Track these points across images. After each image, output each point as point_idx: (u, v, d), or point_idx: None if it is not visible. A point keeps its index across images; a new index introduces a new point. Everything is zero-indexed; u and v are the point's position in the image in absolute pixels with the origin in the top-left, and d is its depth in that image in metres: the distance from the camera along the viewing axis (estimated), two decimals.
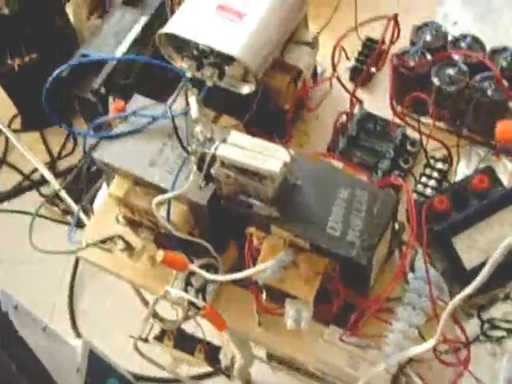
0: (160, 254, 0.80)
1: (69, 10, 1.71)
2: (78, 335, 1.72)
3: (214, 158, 0.80)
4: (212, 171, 0.80)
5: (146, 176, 0.87)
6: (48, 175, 1.04)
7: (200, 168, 0.82)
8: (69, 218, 1.72)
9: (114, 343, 1.49)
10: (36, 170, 1.83)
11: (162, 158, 0.88)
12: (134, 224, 0.93)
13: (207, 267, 0.90)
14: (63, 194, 0.97)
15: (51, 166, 1.78)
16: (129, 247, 0.92)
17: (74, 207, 0.98)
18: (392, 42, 0.99)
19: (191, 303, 0.89)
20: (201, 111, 0.84)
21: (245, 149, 0.78)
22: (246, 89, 0.91)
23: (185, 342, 0.98)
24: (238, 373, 1.42)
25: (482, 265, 0.87)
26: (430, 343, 0.78)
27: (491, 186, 0.87)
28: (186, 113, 0.86)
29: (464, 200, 0.88)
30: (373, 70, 1.03)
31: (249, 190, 0.80)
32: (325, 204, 0.81)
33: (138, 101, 0.92)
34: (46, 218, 1.72)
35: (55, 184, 1.00)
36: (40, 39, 1.65)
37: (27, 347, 1.16)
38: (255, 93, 0.91)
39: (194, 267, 0.83)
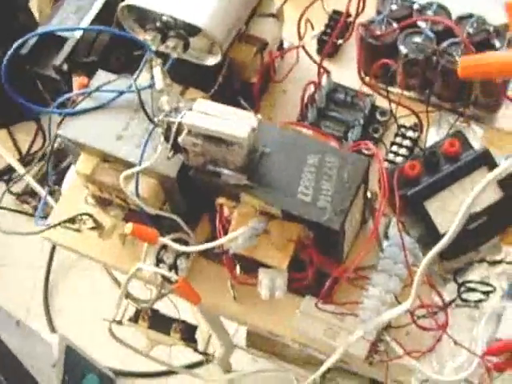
0: (129, 227, 0.79)
1: (32, 5, 1.69)
2: (54, 332, 1.69)
3: (180, 126, 0.78)
4: (179, 140, 0.78)
5: (113, 151, 0.85)
6: (14, 162, 1.02)
7: (167, 139, 0.80)
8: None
9: (92, 339, 1.46)
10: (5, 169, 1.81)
11: (128, 132, 0.86)
12: (103, 203, 0.92)
13: (179, 242, 0.88)
14: (29, 179, 0.95)
15: (21, 161, 1.74)
16: (98, 226, 0.90)
17: (42, 192, 0.96)
18: (358, 13, 0.99)
19: (164, 280, 0.87)
20: (166, 82, 0.82)
21: (211, 116, 0.77)
22: (211, 60, 0.90)
23: (160, 322, 0.97)
24: (219, 362, 1.41)
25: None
26: (406, 305, 0.77)
27: (462, 150, 0.87)
28: (151, 85, 0.85)
29: (435, 165, 0.87)
30: (339, 41, 1.02)
31: (217, 158, 0.79)
32: (295, 170, 0.80)
33: (102, 77, 0.90)
34: (17, 211, 1.69)
35: (21, 169, 0.98)
36: (3, 35, 1.62)
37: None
38: (221, 65, 0.90)
39: (164, 240, 0.81)
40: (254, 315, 0.89)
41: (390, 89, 0.96)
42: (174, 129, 0.79)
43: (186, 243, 0.91)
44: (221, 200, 0.83)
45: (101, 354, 1.47)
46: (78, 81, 0.90)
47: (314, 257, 0.81)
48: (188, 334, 0.97)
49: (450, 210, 0.87)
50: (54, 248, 1.79)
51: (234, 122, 0.76)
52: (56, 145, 0.90)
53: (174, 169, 0.83)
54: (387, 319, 0.80)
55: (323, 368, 0.87)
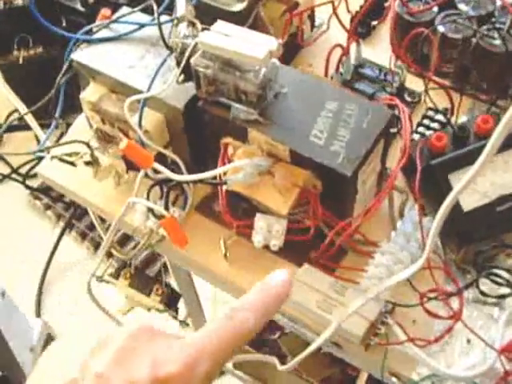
0: (124, 142, 0.72)
1: None
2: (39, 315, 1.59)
3: (195, 49, 0.74)
4: (191, 61, 0.73)
5: (122, 77, 0.80)
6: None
7: (179, 62, 0.76)
8: None
9: None
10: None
11: (142, 63, 0.82)
12: (104, 139, 0.86)
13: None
14: (30, 117, 0.90)
15: None
16: (94, 161, 0.84)
17: (41, 134, 0.91)
18: None
19: (154, 215, 0.80)
20: (188, 8, 0.79)
21: (229, 36, 0.72)
22: (237, 6, 0.86)
23: (142, 282, 0.87)
24: None
25: (481, 208, 0.79)
26: (417, 265, 0.68)
27: (495, 128, 0.80)
28: (172, 20, 0.81)
29: (464, 140, 0.80)
30: (374, 23, 0.97)
31: (228, 89, 0.74)
32: (310, 113, 0.74)
33: (125, 11, 0.87)
34: None
35: (23, 107, 0.93)
36: None
37: None
38: (248, 13, 0.86)
39: (157, 165, 0.74)
40: (243, 277, 0.80)
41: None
42: (188, 50, 0.74)
43: (185, 195, 0.85)
44: (227, 140, 0.76)
45: None
46: (101, 13, 0.87)
47: (318, 209, 0.74)
48: (170, 298, 0.87)
49: (476, 189, 0.79)
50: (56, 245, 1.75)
51: (252, 44, 0.71)
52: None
53: (182, 101, 0.78)
54: (391, 284, 0.70)
55: (313, 346, 0.76)
